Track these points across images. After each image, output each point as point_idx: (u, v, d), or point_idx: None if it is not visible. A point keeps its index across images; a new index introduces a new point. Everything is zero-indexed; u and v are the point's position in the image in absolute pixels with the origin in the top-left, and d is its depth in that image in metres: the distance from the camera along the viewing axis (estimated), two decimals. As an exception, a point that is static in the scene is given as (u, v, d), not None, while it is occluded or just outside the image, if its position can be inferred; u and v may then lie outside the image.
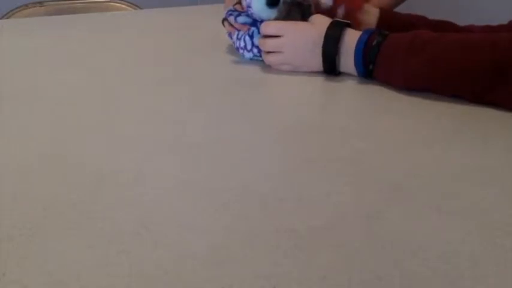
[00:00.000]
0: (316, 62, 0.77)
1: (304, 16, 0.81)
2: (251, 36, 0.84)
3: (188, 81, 0.79)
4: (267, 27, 0.79)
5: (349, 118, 0.64)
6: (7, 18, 1.46)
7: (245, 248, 0.38)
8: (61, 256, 0.37)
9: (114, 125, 0.62)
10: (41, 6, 1.53)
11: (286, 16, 0.80)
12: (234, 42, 0.88)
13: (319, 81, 0.78)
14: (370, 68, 0.73)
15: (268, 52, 0.81)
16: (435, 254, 0.37)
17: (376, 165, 0.51)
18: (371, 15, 0.90)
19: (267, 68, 0.83)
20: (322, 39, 0.75)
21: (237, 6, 0.87)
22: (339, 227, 0.41)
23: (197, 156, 0.53)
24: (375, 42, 0.71)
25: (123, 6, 1.66)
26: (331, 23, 0.76)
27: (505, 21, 0.88)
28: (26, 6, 1.52)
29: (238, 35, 0.86)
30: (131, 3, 1.66)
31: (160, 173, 0.49)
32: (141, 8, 1.67)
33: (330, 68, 0.77)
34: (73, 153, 0.54)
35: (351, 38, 0.74)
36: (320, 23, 0.77)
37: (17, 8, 1.53)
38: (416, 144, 0.56)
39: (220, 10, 0.95)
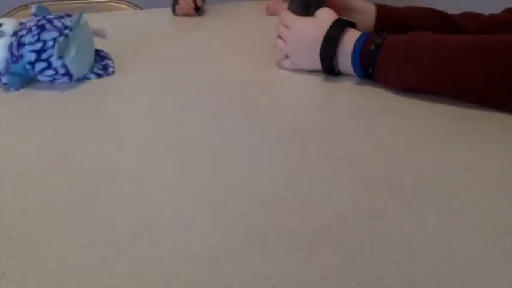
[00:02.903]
0: (315, 60, 0.77)
1: (319, 6, 0.80)
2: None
3: (188, 81, 0.79)
4: (283, 17, 0.82)
5: (349, 118, 0.64)
6: (7, 18, 1.46)
7: (245, 248, 0.38)
8: (61, 256, 0.37)
9: (114, 125, 0.62)
10: (41, 6, 1.53)
11: (303, 8, 0.80)
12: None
13: (319, 81, 0.77)
14: (369, 72, 0.73)
15: (280, 37, 0.82)
16: (435, 254, 0.37)
17: (376, 165, 0.51)
18: (367, 15, 0.89)
19: (266, 68, 0.83)
20: (321, 39, 0.74)
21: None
22: (339, 227, 0.41)
23: (197, 156, 0.53)
24: (372, 46, 0.70)
25: (123, 6, 1.66)
26: (334, 22, 0.75)
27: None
28: (26, 6, 1.52)
29: None
30: (131, 3, 1.67)
31: (160, 173, 0.49)
32: (141, 8, 1.67)
33: (329, 68, 0.77)
34: (73, 153, 0.54)
35: (349, 39, 0.73)
36: (322, 21, 0.76)
37: (17, 8, 1.53)
38: (416, 144, 0.56)
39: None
